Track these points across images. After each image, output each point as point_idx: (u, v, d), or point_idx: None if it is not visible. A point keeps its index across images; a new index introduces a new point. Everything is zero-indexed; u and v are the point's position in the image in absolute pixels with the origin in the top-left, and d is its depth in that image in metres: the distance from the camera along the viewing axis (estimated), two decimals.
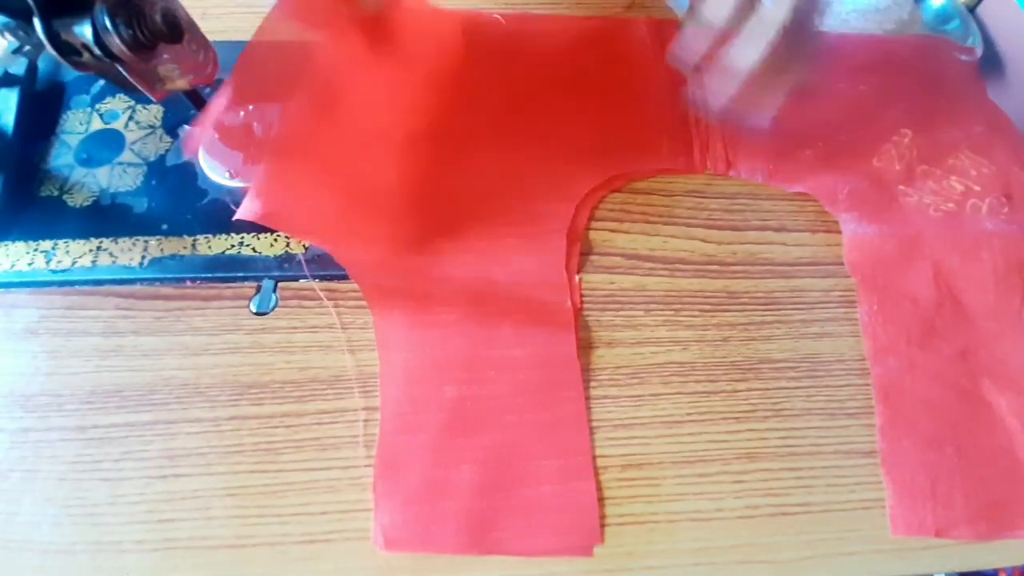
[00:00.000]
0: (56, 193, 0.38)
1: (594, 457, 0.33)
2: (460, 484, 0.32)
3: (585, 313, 0.37)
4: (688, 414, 0.35)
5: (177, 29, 0.29)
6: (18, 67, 0.40)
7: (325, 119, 0.38)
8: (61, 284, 0.36)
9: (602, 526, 0.32)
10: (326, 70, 0.39)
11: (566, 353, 0.35)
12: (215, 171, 0.38)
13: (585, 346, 0.36)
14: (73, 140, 0.39)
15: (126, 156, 0.39)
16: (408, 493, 0.32)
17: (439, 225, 0.38)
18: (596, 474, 0.33)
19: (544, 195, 0.39)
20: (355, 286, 0.37)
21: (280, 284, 0.37)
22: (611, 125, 0.42)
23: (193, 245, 0.37)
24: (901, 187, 0.41)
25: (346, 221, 0.37)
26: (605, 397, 0.35)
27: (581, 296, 0.37)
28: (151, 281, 0.36)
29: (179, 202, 0.38)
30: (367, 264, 0.36)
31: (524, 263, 0.37)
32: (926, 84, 0.46)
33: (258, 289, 0.37)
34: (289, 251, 0.37)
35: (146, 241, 0.37)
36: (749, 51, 0.31)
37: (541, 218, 0.38)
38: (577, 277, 0.37)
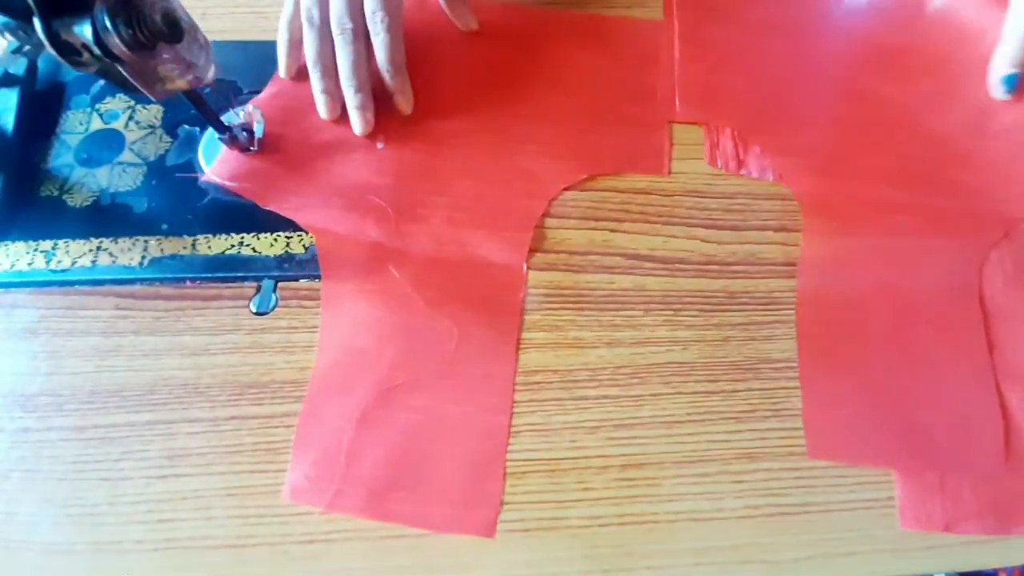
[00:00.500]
0: (56, 193, 0.38)
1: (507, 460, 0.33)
2: (374, 451, 0.33)
3: (585, 313, 0.37)
4: (688, 414, 0.35)
5: (177, 29, 0.29)
6: (18, 67, 0.40)
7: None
8: (61, 284, 0.36)
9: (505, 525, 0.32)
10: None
11: (504, 352, 0.35)
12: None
13: (585, 346, 0.36)
14: (73, 140, 0.39)
15: (126, 156, 0.39)
16: (324, 450, 0.33)
17: (408, 206, 0.38)
18: (504, 475, 0.33)
19: (521, 191, 0.40)
20: None
21: (280, 284, 0.37)
22: (601, 124, 0.42)
23: (193, 245, 0.37)
24: None
25: (314, 194, 0.38)
26: (605, 397, 0.35)
27: (526, 291, 0.37)
28: (151, 281, 0.36)
29: (179, 202, 0.38)
30: (329, 231, 0.37)
31: (484, 253, 0.38)
32: None
33: (258, 289, 0.37)
34: (289, 251, 0.37)
35: (146, 241, 0.37)
36: None
37: (513, 213, 0.39)
38: (525, 268, 0.38)
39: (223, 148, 0.38)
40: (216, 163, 0.38)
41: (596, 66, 0.44)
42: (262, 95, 0.40)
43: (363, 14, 0.38)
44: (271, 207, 0.37)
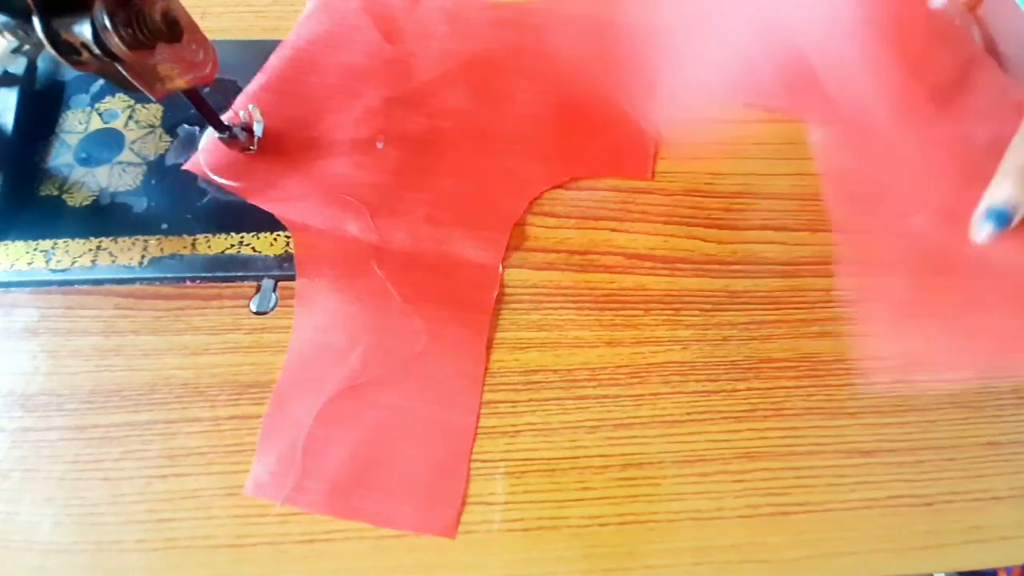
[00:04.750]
0: (56, 192, 0.38)
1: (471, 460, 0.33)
2: (339, 447, 0.33)
3: (585, 313, 0.37)
4: (688, 414, 0.35)
5: (177, 29, 0.29)
6: (18, 66, 0.40)
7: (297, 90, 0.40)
8: (61, 284, 0.36)
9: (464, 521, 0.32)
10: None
11: (475, 351, 0.35)
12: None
13: (585, 346, 0.36)
14: (73, 139, 0.39)
15: (126, 155, 0.39)
16: (287, 446, 0.33)
17: (388, 202, 0.38)
18: (468, 475, 0.33)
19: (502, 191, 0.40)
20: None
21: (280, 284, 0.37)
22: (587, 125, 0.42)
23: (193, 245, 0.37)
24: None
25: (295, 187, 0.38)
26: (605, 397, 0.35)
27: (502, 290, 0.37)
28: (151, 281, 0.36)
29: (179, 201, 0.38)
30: (308, 227, 0.37)
31: (460, 250, 0.38)
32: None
33: (258, 289, 0.37)
34: (289, 251, 0.37)
35: (146, 241, 0.37)
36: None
37: (492, 213, 0.39)
38: (501, 268, 0.38)
39: (209, 137, 0.38)
40: (201, 152, 0.38)
41: (584, 66, 0.43)
42: (251, 87, 0.40)
43: None
44: (255, 201, 0.37)
